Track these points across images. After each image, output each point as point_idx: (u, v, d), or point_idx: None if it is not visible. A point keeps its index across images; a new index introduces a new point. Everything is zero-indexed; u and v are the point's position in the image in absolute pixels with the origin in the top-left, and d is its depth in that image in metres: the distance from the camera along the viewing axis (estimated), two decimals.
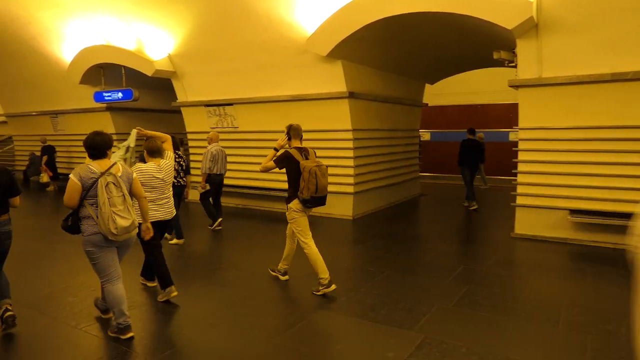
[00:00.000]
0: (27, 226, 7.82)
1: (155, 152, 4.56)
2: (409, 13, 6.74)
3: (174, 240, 6.68)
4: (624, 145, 6.12)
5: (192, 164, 9.72)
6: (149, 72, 9.86)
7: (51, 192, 12.60)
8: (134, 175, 3.83)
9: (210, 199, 7.70)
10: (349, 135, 8.40)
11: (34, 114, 14.21)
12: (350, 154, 8.46)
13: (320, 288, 4.60)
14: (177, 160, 6.31)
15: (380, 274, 5.30)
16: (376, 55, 8.60)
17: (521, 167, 6.89)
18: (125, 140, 4.67)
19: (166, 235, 6.59)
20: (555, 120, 6.52)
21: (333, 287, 4.61)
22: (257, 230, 7.84)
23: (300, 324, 3.98)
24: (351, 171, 8.51)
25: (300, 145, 4.83)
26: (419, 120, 11.71)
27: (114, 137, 11.55)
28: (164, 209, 4.59)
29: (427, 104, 11.93)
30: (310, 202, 4.59)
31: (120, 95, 10.98)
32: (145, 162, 4.60)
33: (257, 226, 8.10)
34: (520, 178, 6.91)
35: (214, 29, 8.81)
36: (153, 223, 4.24)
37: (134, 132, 4.54)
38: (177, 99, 10.55)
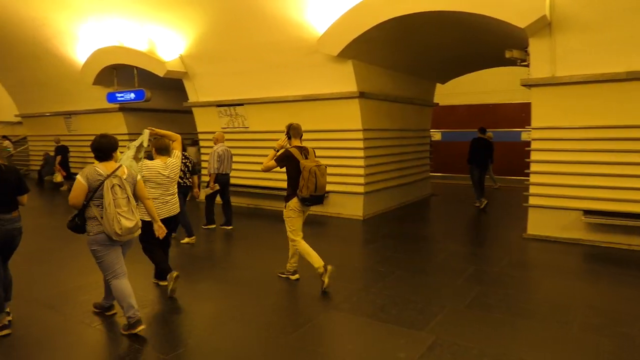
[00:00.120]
0: (40, 225, 7.93)
1: (163, 150, 4.68)
2: (420, 12, 6.71)
3: (186, 240, 6.73)
4: (639, 145, 6.03)
5: (203, 164, 9.77)
6: (160, 73, 9.94)
7: (65, 191, 12.76)
8: (139, 177, 3.95)
9: (219, 199, 7.75)
10: (360, 135, 8.39)
11: (48, 114, 14.42)
12: (361, 154, 8.45)
13: (323, 278, 4.67)
14: (183, 161, 6.40)
15: (391, 274, 5.28)
16: (387, 55, 8.57)
17: (534, 167, 6.82)
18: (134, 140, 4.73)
19: (173, 235, 6.65)
20: (569, 119, 6.44)
21: (330, 268, 4.70)
22: (267, 230, 7.85)
23: (310, 323, 3.98)
24: (361, 171, 8.49)
25: (300, 145, 4.90)
26: (430, 120, 11.65)
27: (127, 137, 11.68)
28: (169, 205, 4.69)
29: (437, 103, 11.87)
30: (309, 200, 4.69)
31: (132, 95, 11.08)
32: (152, 159, 4.69)
33: (267, 226, 8.11)
34: (533, 178, 6.84)
35: (225, 29, 8.85)
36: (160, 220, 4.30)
37: (146, 132, 4.62)
38: (188, 99, 10.62)
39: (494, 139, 10.70)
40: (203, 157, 10.43)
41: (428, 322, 3.91)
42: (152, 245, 4.67)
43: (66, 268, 5.70)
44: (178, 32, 9.54)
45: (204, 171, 8.98)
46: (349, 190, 8.62)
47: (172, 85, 10.72)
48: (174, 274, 4.48)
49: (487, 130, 10.22)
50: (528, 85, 6.71)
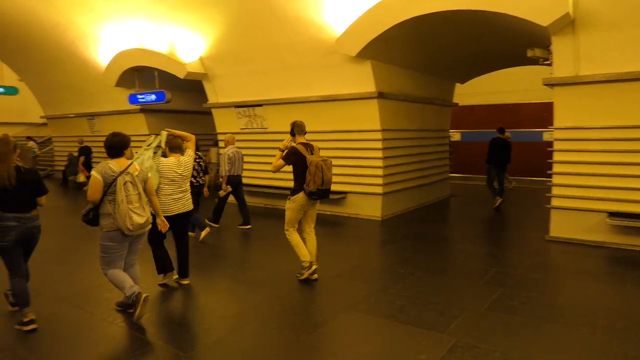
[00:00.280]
0: (64, 224, 8.12)
1: (176, 148, 4.84)
2: (439, 11, 6.66)
3: (203, 234, 6.86)
4: None
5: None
6: (181, 75, 10.07)
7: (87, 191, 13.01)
8: (149, 174, 4.13)
9: (232, 199, 7.83)
10: (378, 135, 8.36)
11: (71, 116, 14.75)
12: (380, 154, 8.41)
13: (303, 271, 4.92)
14: (196, 160, 6.57)
15: (410, 275, 5.25)
16: (406, 54, 8.52)
17: (556, 168, 6.70)
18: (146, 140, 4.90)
19: (192, 234, 6.86)
20: (593, 119, 6.30)
21: (314, 267, 4.95)
22: (282, 230, 7.86)
23: (329, 324, 3.99)
24: (380, 172, 8.46)
25: (304, 141, 5.02)
26: (449, 120, 11.54)
27: (145, 138, 11.85)
28: (181, 202, 4.80)
29: (457, 103, 11.75)
30: (316, 194, 4.80)
31: (153, 97, 11.26)
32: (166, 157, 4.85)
33: (283, 226, 8.12)
34: (555, 179, 6.72)
35: (245, 31, 8.93)
36: (171, 216, 4.59)
37: (163, 133, 4.79)
38: (208, 100, 10.73)
39: (514, 139, 10.57)
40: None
41: (448, 324, 3.87)
42: (158, 239, 4.83)
43: (89, 266, 5.81)
44: (198, 33, 9.66)
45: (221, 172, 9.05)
46: (367, 190, 8.59)
47: (192, 87, 10.85)
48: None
49: (507, 130, 10.12)
50: (550, 84, 6.60)
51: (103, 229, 3.84)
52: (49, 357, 3.52)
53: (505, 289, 4.74)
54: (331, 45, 7.97)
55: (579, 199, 6.48)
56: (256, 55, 9.12)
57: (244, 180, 9.64)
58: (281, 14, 8.13)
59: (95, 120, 14.08)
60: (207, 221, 7.69)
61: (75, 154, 13.64)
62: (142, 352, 3.57)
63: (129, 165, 3.85)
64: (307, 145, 4.97)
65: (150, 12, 9.95)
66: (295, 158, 4.87)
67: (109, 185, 3.75)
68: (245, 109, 10.04)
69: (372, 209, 8.57)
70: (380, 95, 8.15)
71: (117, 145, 3.88)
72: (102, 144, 4.24)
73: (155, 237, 4.77)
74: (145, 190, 3.98)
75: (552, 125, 6.72)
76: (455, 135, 14.54)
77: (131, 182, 3.80)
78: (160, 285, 4.92)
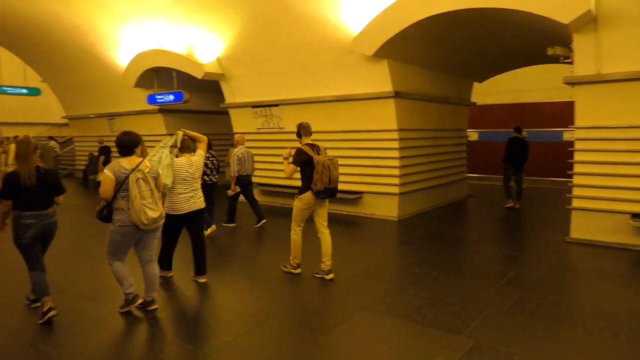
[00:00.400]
0: (85, 222, 8.27)
1: (186, 148, 4.96)
2: (457, 10, 6.59)
3: (209, 231, 7.02)
4: None
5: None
6: (198, 75, 10.17)
7: None
8: (160, 171, 4.28)
9: (242, 198, 7.93)
10: (395, 135, 8.31)
11: (92, 116, 15.02)
12: (396, 154, 8.37)
13: (289, 266, 5.26)
14: (210, 159, 6.76)
15: (427, 276, 5.21)
16: (423, 53, 8.46)
17: (577, 168, 6.57)
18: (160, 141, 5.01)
19: (206, 232, 6.96)
20: (615, 118, 6.16)
21: (298, 270, 5.22)
22: (307, 229, 7.88)
23: (345, 323, 3.98)
24: (396, 172, 8.41)
25: (310, 142, 5.11)
26: (467, 120, 11.42)
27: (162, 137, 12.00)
28: (193, 200, 4.90)
29: (475, 102, 11.62)
30: (323, 193, 4.89)
31: (171, 97, 11.40)
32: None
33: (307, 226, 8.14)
34: (576, 180, 6.59)
35: (261, 31, 8.97)
36: (183, 214, 4.77)
37: (179, 133, 4.90)
38: (225, 100, 10.82)
39: (533, 138, 10.43)
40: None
41: (466, 326, 3.83)
42: (171, 238, 5.00)
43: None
44: (215, 34, 9.74)
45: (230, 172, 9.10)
46: (383, 191, 8.55)
47: (209, 87, 10.95)
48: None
49: (525, 130, 10.01)
50: (571, 83, 6.47)
51: (115, 224, 3.99)
52: (70, 351, 3.59)
53: (524, 291, 4.67)
54: (348, 45, 7.96)
55: (601, 199, 6.35)
56: (273, 56, 9.15)
57: (260, 180, 9.74)
58: (298, 14, 8.15)
59: (115, 120, 14.31)
60: (223, 224, 7.77)
61: (96, 153, 13.88)
62: (160, 348, 3.62)
63: (140, 163, 3.99)
64: (313, 146, 5.05)
65: (169, 14, 10.07)
66: (303, 158, 4.95)
67: (122, 183, 3.88)
68: (261, 109, 10.09)
69: (388, 209, 8.53)
70: (397, 95, 8.11)
71: (129, 144, 4.01)
72: None
73: (168, 234, 4.90)
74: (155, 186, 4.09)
75: (573, 124, 6.59)
76: (473, 135, 14.37)
77: (143, 179, 3.93)
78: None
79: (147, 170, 4.00)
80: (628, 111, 6.07)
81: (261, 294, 4.85)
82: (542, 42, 7.26)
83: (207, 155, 6.54)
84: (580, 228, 6.57)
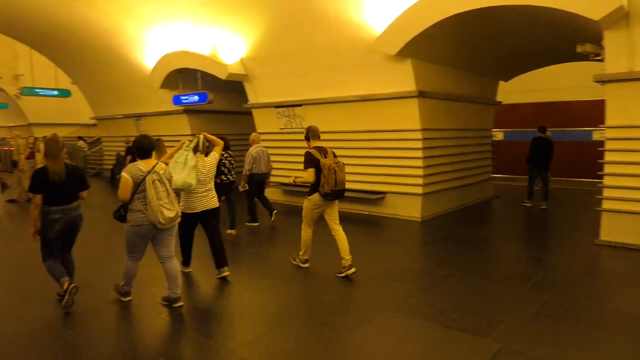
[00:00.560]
0: (111, 221, 8.42)
1: (198, 150, 5.09)
2: (483, 8, 6.49)
3: (233, 231, 7.28)
4: None
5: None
6: (222, 76, 10.30)
7: None
8: (172, 174, 4.42)
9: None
10: (418, 135, 8.24)
11: (119, 117, 15.37)
12: (420, 154, 8.29)
13: (297, 259, 5.50)
14: (227, 159, 6.92)
15: (451, 278, 5.14)
16: (447, 52, 8.36)
17: (608, 169, 6.38)
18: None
19: (229, 231, 7.20)
20: None
21: (307, 265, 5.46)
22: (324, 229, 7.89)
23: (368, 324, 3.97)
24: (420, 172, 8.33)
25: (318, 145, 5.25)
26: (492, 120, 11.22)
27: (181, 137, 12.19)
28: (206, 199, 5.04)
29: (500, 102, 11.41)
30: (330, 195, 5.03)
31: (196, 98, 11.58)
32: None
33: (322, 225, 8.14)
34: (606, 180, 6.40)
35: (285, 32, 9.02)
36: (197, 213, 4.95)
37: (200, 137, 5.06)
38: (248, 101, 10.92)
39: (561, 138, 10.21)
40: None
41: (492, 329, 3.77)
42: (187, 235, 5.20)
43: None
44: (239, 35, 9.84)
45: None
46: (406, 191, 8.48)
47: (233, 88, 11.07)
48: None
49: (553, 129, 9.84)
50: (602, 81, 6.29)
51: (129, 223, 4.15)
52: (100, 345, 3.69)
53: (552, 294, 4.57)
54: (371, 45, 7.92)
55: (633, 201, 6.15)
56: (296, 56, 9.19)
57: (283, 180, 9.77)
58: (321, 14, 8.16)
59: (141, 121, 14.61)
60: (246, 223, 7.86)
61: (122, 153, 14.20)
62: (185, 345, 3.68)
63: (155, 165, 4.15)
64: (320, 149, 5.17)
65: (194, 16, 10.22)
66: (314, 162, 5.07)
67: (139, 184, 4.05)
68: (284, 109, 10.14)
69: (411, 209, 8.46)
70: (421, 94, 8.03)
71: (148, 147, 4.20)
72: None
73: (184, 232, 5.11)
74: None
75: (603, 123, 6.41)
76: (498, 135, 14.12)
77: (159, 180, 4.09)
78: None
79: (162, 171, 4.18)
80: None
81: (284, 293, 4.88)
82: (571, 40, 7.09)
83: (225, 155, 6.77)
84: (611, 230, 6.38)
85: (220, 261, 5.17)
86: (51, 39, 13.31)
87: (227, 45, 10.26)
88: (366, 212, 8.98)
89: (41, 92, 18.13)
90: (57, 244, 4.36)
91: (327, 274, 5.31)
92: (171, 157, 4.80)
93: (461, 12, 6.69)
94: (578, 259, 6.00)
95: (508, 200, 10.81)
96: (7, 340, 3.78)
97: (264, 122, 10.81)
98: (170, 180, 4.29)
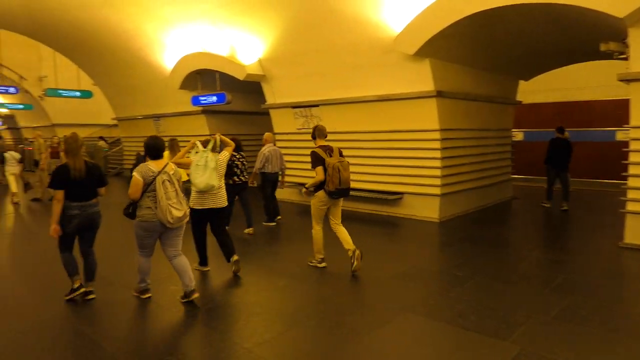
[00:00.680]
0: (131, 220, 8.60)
1: (215, 150, 5.20)
2: (503, 6, 6.40)
3: (250, 230, 7.37)
4: None
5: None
6: (240, 77, 10.37)
7: None
8: (184, 174, 4.58)
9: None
10: (437, 135, 8.17)
11: (139, 117, 15.61)
12: (438, 154, 8.22)
13: (314, 261, 5.52)
14: (240, 160, 7.03)
15: (470, 280, 5.08)
16: (466, 51, 8.27)
17: (633, 170, 6.23)
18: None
19: (246, 231, 7.31)
20: None
21: (323, 264, 5.46)
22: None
23: (387, 325, 3.95)
24: (438, 172, 8.25)
25: (324, 144, 5.35)
26: (512, 120, 11.06)
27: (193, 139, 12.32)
28: (217, 198, 5.12)
29: (520, 101, 11.24)
30: (335, 193, 5.13)
31: (214, 98, 11.69)
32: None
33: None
34: (631, 182, 6.25)
35: (302, 32, 9.04)
36: (204, 210, 5.05)
37: (217, 137, 5.18)
38: (266, 101, 10.97)
39: (584, 138, 10.02)
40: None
41: (512, 332, 3.71)
42: (199, 232, 5.27)
43: (156, 258, 6.09)
44: (257, 36, 9.90)
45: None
46: (424, 191, 8.42)
47: (251, 88, 11.14)
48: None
49: (574, 129, 9.69)
50: (626, 80, 6.14)
51: (137, 219, 4.29)
52: (120, 342, 3.75)
53: (574, 298, 4.48)
54: (389, 44, 7.89)
55: None
56: (313, 56, 9.20)
57: (297, 180, 9.80)
58: (339, 14, 8.16)
59: (161, 121, 14.81)
60: (264, 223, 7.93)
61: (142, 153, 14.39)
62: (203, 343, 3.72)
63: (165, 166, 4.27)
64: (326, 148, 5.28)
65: (213, 17, 10.32)
66: (319, 160, 5.18)
67: (149, 184, 4.18)
68: (302, 109, 10.16)
69: (429, 210, 8.39)
70: (439, 94, 7.96)
71: (158, 148, 4.34)
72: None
73: (195, 229, 5.24)
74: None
75: (627, 123, 6.25)
76: (518, 135, 13.91)
77: (168, 180, 4.22)
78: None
79: (172, 172, 4.29)
80: None
81: (301, 293, 4.89)
82: (594, 38, 6.94)
83: (237, 156, 6.91)
84: (636, 233, 6.22)
85: (228, 252, 5.31)
86: (74, 41, 13.60)
87: (245, 46, 10.33)
88: (383, 213, 8.94)
89: (64, 93, 18.51)
90: (73, 238, 4.50)
91: (344, 274, 5.30)
92: (183, 156, 5.01)
93: (480, 11, 6.61)
94: (601, 262, 5.87)
95: (528, 202, 10.64)
96: (31, 335, 3.88)
97: (281, 122, 10.85)
98: (180, 180, 4.39)
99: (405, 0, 7.47)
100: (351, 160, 9.08)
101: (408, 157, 8.57)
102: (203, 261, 5.47)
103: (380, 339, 3.71)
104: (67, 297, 4.48)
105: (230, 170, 6.56)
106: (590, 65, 10.59)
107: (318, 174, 5.15)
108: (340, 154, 5.33)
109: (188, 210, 4.43)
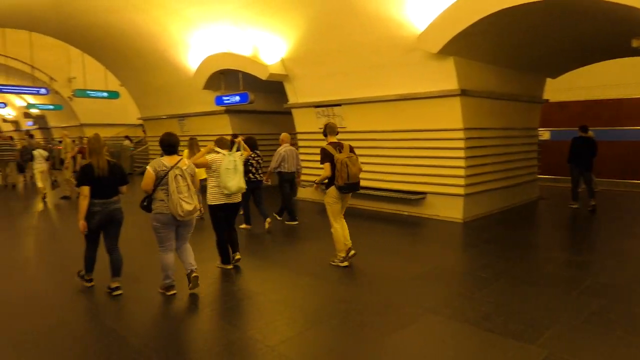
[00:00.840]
0: None
1: (223, 146, 5.52)
2: (529, 2, 6.27)
3: (243, 225, 7.56)
4: None
5: (302, 163, 10.09)
6: (263, 76, 10.44)
7: None
8: (196, 170, 4.76)
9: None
10: (461, 134, 8.06)
11: (164, 117, 15.87)
12: (462, 154, 8.11)
13: (336, 260, 5.57)
14: (255, 159, 7.26)
15: (495, 282, 5.00)
16: (491, 49, 8.13)
17: None
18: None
19: (267, 222, 7.51)
20: None
21: (346, 263, 5.51)
22: (362, 229, 7.86)
23: (411, 326, 3.92)
24: (462, 172, 8.15)
25: (335, 141, 5.50)
26: (538, 118, 10.83)
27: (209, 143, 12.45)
28: (232, 194, 5.34)
29: (547, 100, 10.99)
30: (345, 188, 5.28)
31: (237, 98, 11.81)
32: None
33: (362, 225, 8.13)
34: None
35: (325, 32, 9.05)
36: (220, 205, 5.29)
37: (241, 141, 5.67)
38: (288, 101, 11.02)
39: (612, 137, 9.76)
40: (302, 157, 10.73)
41: (539, 336, 3.64)
42: (217, 226, 5.45)
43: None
44: (280, 36, 9.95)
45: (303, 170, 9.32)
46: (447, 191, 8.32)
47: (273, 88, 11.21)
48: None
49: (603, 128, 9.47)
50: None
51: (153, 211, 4.47)
52: (147, 338, 3.83)
53: (603, 301, 4.36)
54: (412, 43, 7.82)
55: None
56: (336, 56, 9.20)
57: (314, 179, 9.82)
58: (361, 13, 8.13)
59: (185, 121, 15.03)
60: (286, 222, 7.99)
61: None
62: (227, 340, 3.76)
63: (178, 161, 4.47)
64: (336, 145, 5.43)
65: (236, 17, 10.42)
66: (328, 157, 5.33)
67: (162, 178, 4.37)
68: (324, 108, 10.17)
69: (452, 210, 8.29)
70: (463, 93, 7.86)
71: (173, 144, 4.53)
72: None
73: (214, 225, 5.44)
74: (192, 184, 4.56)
75: None
76: (545, 134, 13.60)
77: (181, 175, 4.40)
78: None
79: (185, 167, 4.48)
80: None
81: (323, 292, 4.90)
82: (625, 34, 6.74)
83: (252, 155, 7.11)
84: None
85: (233, 249, 5.61)
86: (102, 43, 13.93)
87: (268, 46, 10.39)
88: (406, 213, 8.88)
89: (92, 93, 18.97)
90: (97, 234, 4.72)
91: (366, 274, 5.29)
92: (200, 157, 5.24)
93: (505, 8, 6.49)
94: (631, 265, 5.70)
95: (555, 202, 10.41)
96: (61, 330, 4.00)
97: (303, 121, 10.88)
98: (193, 175, 4.59)
99: None
100: (373, 160, 9.17)
101: (431, 156, 8.48)
102: (226, 260, 5.55)
103: (403, 340, 3.69)
104: (77, 276, 5.00)
105: (245, 168, 6.72)
106: (620, 63, 10.30)
107: (325, 169, 5.34)
108: (351, 150, 5.46)
109: (198, 205, 4.59)
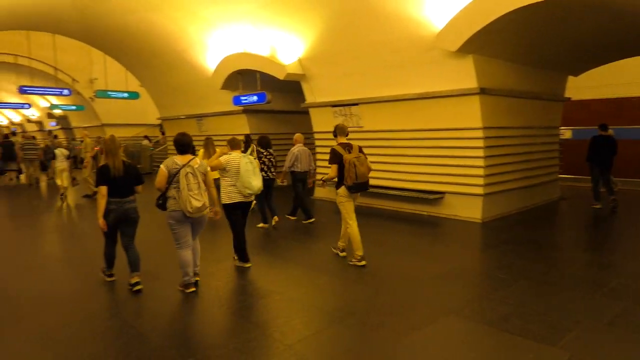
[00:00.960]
0: None
1: (235, 146, 5.66)
2: None
3: (260, 224, 7.72)
4: None
5: (318, 163, 10.10)
6: (280, 76, 10.48)
7: None
8: (208, 169, 4.86)
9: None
10: (480, 133, 7.96)
11: (182, 117, 16.05)
12: (481, 153, 8.01)
13: (354, 260, 5.58)
14: (268, 157, 7.42)
15: (514, 282, 4.93)
16: (511, 47, 8.00)
17: None
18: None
19: (274, 219, 7.75)
20: None
21: (364, 262, 5.52)
22: (381, 229, 7.83)
23: (430, 326, 3.89)
24: (481, 171, 8.04)
25: (344, 142, 5.59)
26: (560, 117, 10.62)
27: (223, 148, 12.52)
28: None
29: (569, 98, 10.77)
30: (353, 187, 5.37)
31: (255, 98, 11.87)
32: None
33: (381, 225, 8.10)
34: None
35: (342, 31, 9.03)
36: (234, 203, 5.40)
37: (253, 146, 5.96)
38: (305, 100, 11.03)
39: (636, 136, 9.52)
40: (318, 157, 10.75)
41: (560, 338, 3.57)
42: (234, 224, 5.53)
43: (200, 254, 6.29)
44: (297, 36, 9.97)
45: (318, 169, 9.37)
46: (466, 191, 8.22)
47: (290, 88, 11.23)
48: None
49: (627, 127, 9.26)
50: None
51: (168, 210, 4.59)
52: (165, 336, 3.88)
53: (628, 304, 4.26)
54: (430, 41, 7.75)
55: None
56: (353, 55, 9.17)
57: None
58: (379, 11, 8.09)
59: (203, 121, 15.17)
60: (303, 221, 8.02)
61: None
62: (245, 337, 3.78)
63: (190, 160, 4.58)
64: (345, 145, 5.52)
65: (254, 18, 10.47)
66: (337, 157, 5.43)
67: (174, 176, 4.50)
68: (341, 108, 10.15)
69: (471, 210, 8.19)
70: (482, 91, 7.75)
71: (185, 144, 4.68)
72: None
73: (232, 223, 5.52)
74: (204, 182, 4.67)
75: None
76: (566, 133, 13.34)
77: (192, 173, 4.52)
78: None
79: (196, 166, 4.60)
80: None
81: (341, 291, 4.89)
82: None
83: (264, 153, 7.32)
84: None
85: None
86: (122, 44, 14.15)
87: (285, 46, 10.42)
88: (424, 212, 8.81)
89: (113, 94, 19.31)
90: (114, 232, 4.87)
91: (384, 274, 5.27)
92: (215, 160, 5.40)
93: (527, 4, 6.38)
94: None
95: (577, 202, 10.21)
96: (81, 326, 4.07)
97: (320, 121, 10.88)
98: (205, 174, 4.72)
99: None
100: (392, 159, 9.12)
101: (450, 155, 8.40)
102: (243, 258, 5.59)
103: (422, 341, 3.66)
104: (101, 272, 5.18)
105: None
106: None
107: (332, 170, 5.49)
108: (360, 151, 5.54)
109: (207, 202, 4.68)
